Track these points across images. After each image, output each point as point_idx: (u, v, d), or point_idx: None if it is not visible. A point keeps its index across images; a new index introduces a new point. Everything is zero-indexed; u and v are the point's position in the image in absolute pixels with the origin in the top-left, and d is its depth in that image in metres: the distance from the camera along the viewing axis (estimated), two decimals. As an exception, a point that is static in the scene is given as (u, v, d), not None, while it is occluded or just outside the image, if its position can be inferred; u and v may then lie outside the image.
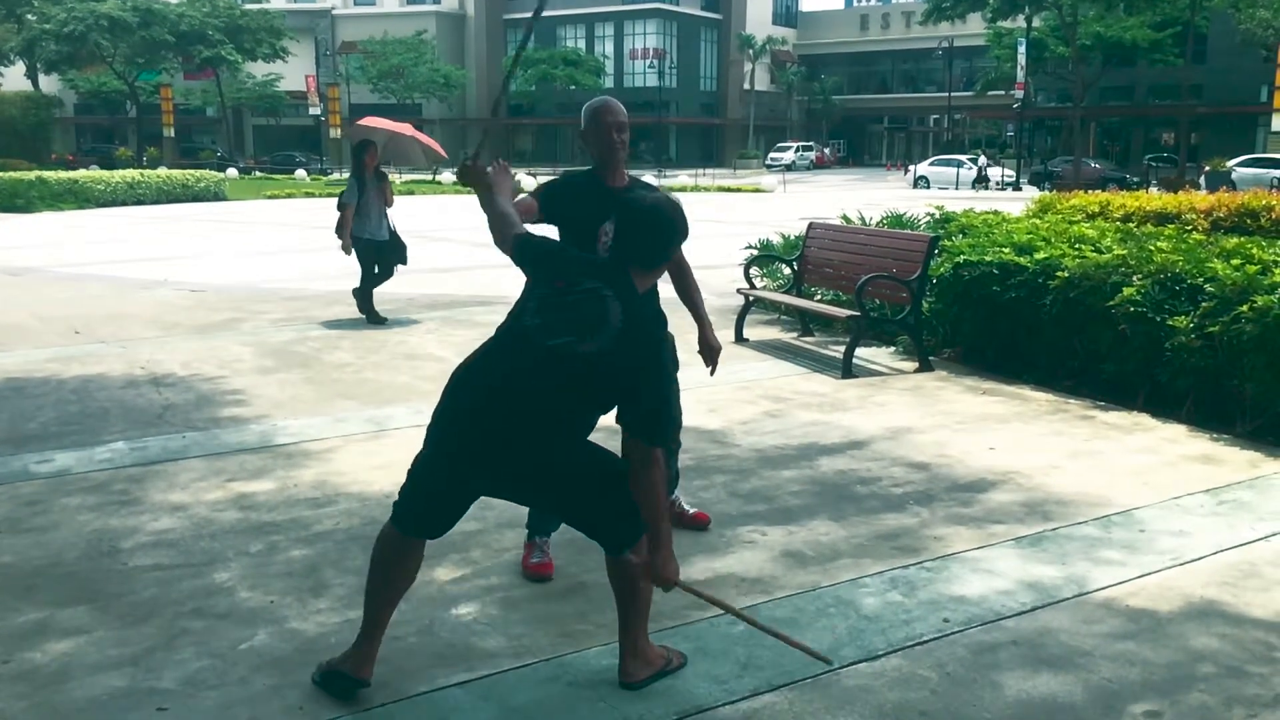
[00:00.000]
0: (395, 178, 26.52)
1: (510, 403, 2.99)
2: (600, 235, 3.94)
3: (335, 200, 10.10)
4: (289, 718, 3.04)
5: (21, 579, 3.98)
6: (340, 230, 9.52)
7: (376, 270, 9.66)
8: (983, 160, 46.23)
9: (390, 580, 3.19)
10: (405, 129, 10.55)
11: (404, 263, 9.87)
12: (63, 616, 3.66)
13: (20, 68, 54.82)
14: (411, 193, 35.33)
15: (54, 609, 3.72)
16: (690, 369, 4.37)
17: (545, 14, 75.67)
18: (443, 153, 11.30)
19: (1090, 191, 14.22)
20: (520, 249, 3.23)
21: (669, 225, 3.11)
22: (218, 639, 3.50)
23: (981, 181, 42.36)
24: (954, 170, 43.83)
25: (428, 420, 3.17)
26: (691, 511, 4.53)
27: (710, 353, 4.34)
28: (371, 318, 9.57)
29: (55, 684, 3.22)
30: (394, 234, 9.75)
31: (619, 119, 3.93)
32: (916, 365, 7.56)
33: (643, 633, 3.24)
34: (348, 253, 9.51)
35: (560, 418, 3.03)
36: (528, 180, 39.11)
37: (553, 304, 3.03)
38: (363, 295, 9.66)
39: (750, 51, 71.32)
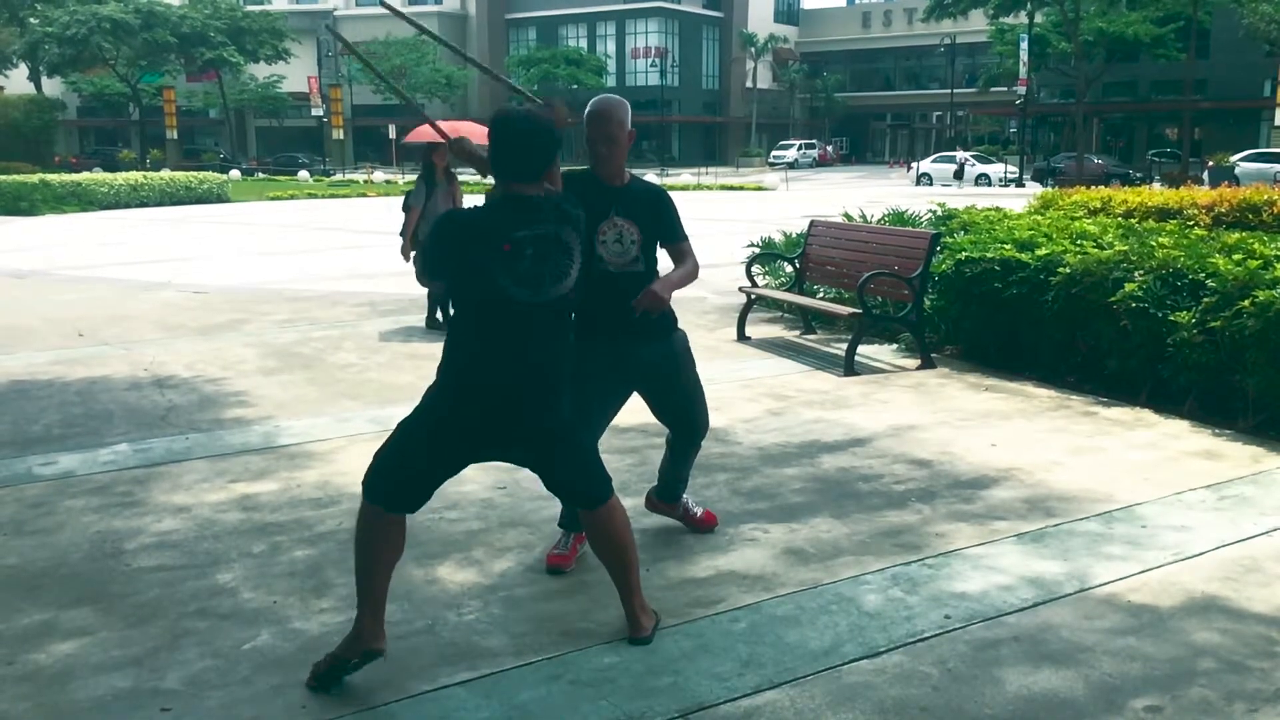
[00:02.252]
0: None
1: (531, 367, 3.19)
2: (599, 233, 3.88)
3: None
4: (292, 717, 3.05)
5: (26, 580, 3.99)
6: (404, 233, 9.14)
7: None
8: (961, 156, 46.54)
9: (384, 557, 3.31)
10: (452, 131, 10.28)
11: None
12: (67, 618, 3.67)
13: (23, 70, 54.92)
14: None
15: (58, 610, 3.73)
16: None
17: (547, 12, 75.21)
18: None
19: (1093, 187, 14.20)
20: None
21: (533, 132, 3.19)
22: (221, 639, 3.51)
23: (959, 178, 42.49)
24: (956, 167, 43.87)
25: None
26: (699, 513, 4.47)
27: (646, 294, 3.77)
28: (431, 323, 9.18)
29: (59, 684, 3.23)
30: None
31: (605, 130, 3.83)
32: (919, 362, 7.56)
33: (639, 587, 3.48)
34: (406, 258, 8.89)
35: (556, 365, 3.26)
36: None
37: (525, 268, 3.12)
38: (433, 303, 9.22)
39: (752, 49, 71.26)
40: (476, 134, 10.25)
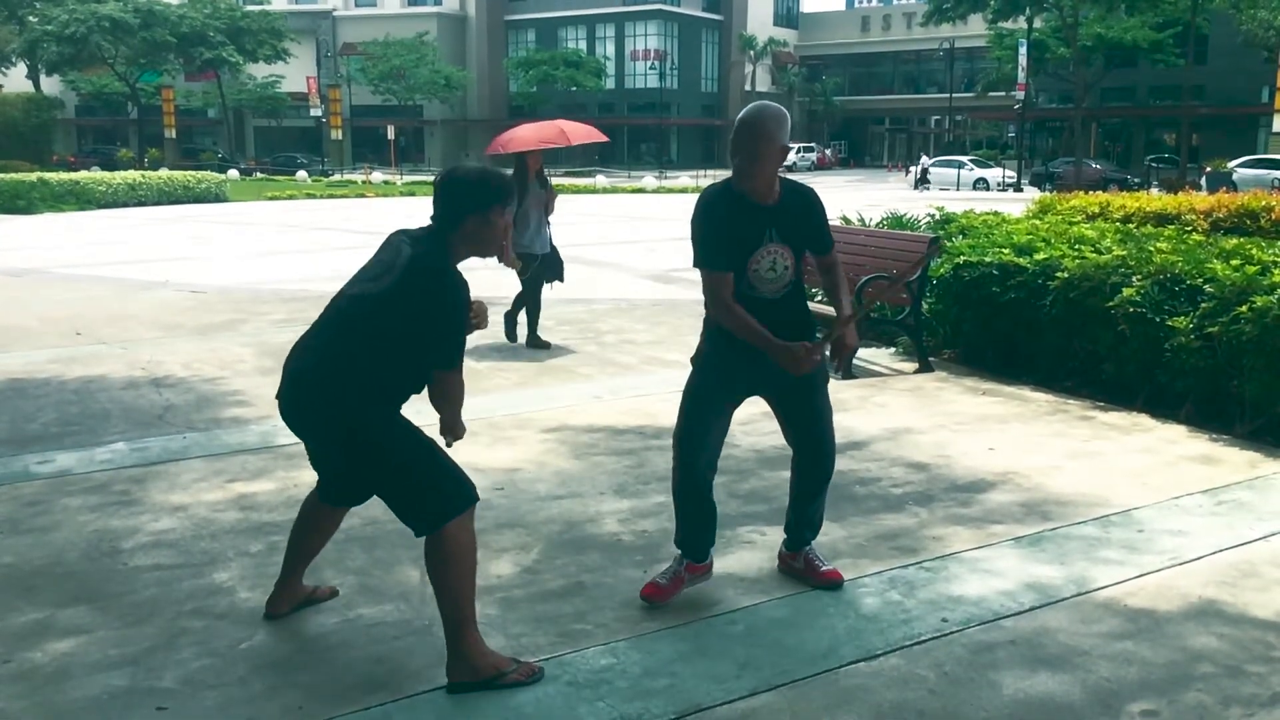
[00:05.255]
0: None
1: (305, 359, 3.24)
2: (751, 263, 3.55)
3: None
4: (288, 717, 3.05)
5: (22, 579, 3.99)
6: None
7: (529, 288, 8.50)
8: (925, 161, 46.92)
9: (302, 534, 3.61)
10: (544, 137, 8.66)
11: (560, 279, 8.68)
12: (63, 616, 3.67)
13: (22, 69, 54.91)
14: (413, 194, 35.35)
15: (54, 609, 3.72)
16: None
17: (546, 14, 75.02)
18: (601, 136, 9.56)
19: (1091, 192, 14.22)
20: None
21: (462, 184, 3.25)
22: (217, 639, 3.51)
23: (924, 183, 42.66)
24: (955, 171, 43.96)
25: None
26: (823, 568, 3.92)
27: (839, 348, 3.77)
28: (520, 338, 8.55)
29: (55, 683, 3.23)
30: (553, 248, 8.59)
31: (745, 143, 3.45)
32: (916, 366, 7.57)
33: (465, 628, 3.20)
34: (515, 267, 8.00)
35: (334, 364, 3.19)
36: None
37: (369, 263, 3.33)
38: (512, 318, 8.59)
39: (751, 53, 71.33)
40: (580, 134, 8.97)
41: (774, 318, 3.59)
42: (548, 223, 8.50)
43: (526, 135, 8.55)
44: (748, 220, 3.52)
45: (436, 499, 3.18)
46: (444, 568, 3.19)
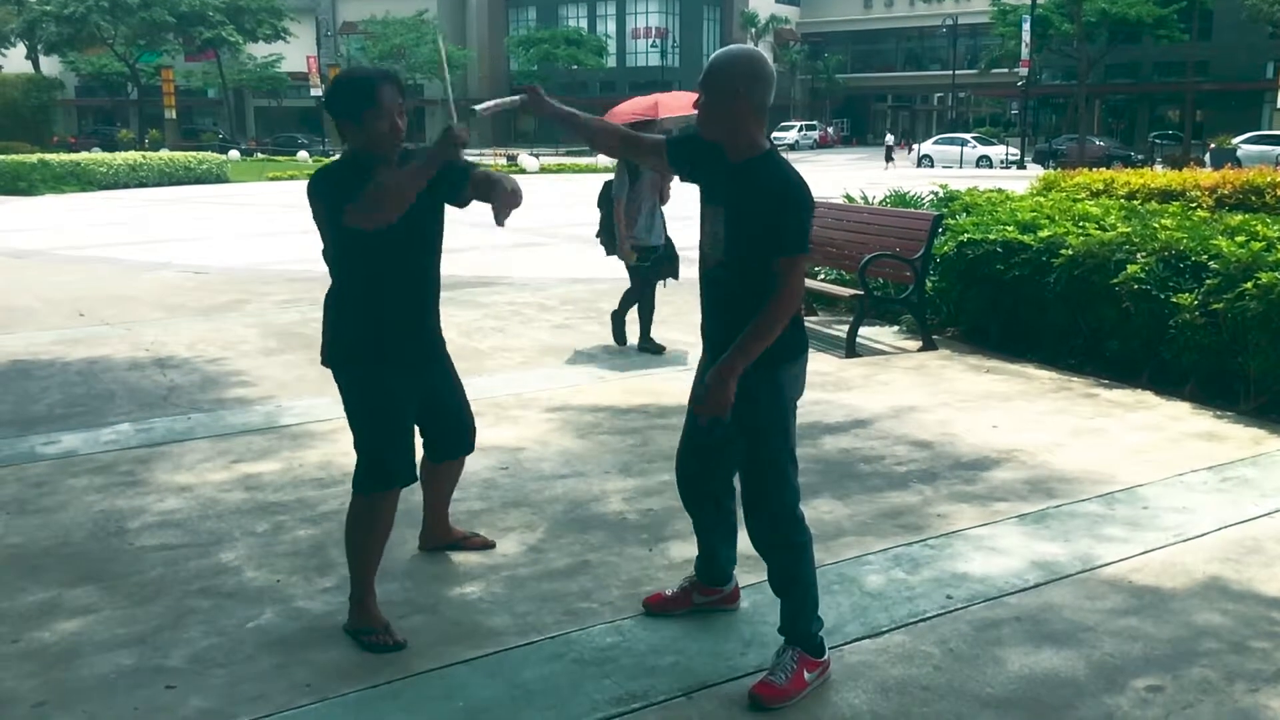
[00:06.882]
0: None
1: None
2: (703, 222, 3.08)
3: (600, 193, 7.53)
4: (296, 695, 3.06)
5: (29, 559, 4.00)
6: (606, 232, 7.48)
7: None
8: (889, 140, 47.20)
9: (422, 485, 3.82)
10: (635, 109, 7.63)
11: (675, 276, 7.48)
12: (71, 596, 3.68)
13: (21, 50, 54.72)
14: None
15: (62, 589, 3.74)
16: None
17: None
18: (690, 108, 8.86)
19: (1094, 169, 14.16)
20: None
21: (328, 94, 3.33)
22: (225, 618, 3.53)
23: (889, 160, 42.79)
24: (958, 149, 43.82)
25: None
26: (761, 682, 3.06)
27: (712, 403, 3.03)
28: (647, 345, 7.50)
29: (64, 663, 3.24)
30: (668, 240, 7.43)
31: (702, 86, 3.00)
32: (920, 344, 7.56)
33: (361, 581, 3.41)
34: (630, 260, 7.30)
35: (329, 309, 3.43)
36: (529, 160, 39.04)
37: None
38: (620, 318, 7.66)
39: (753, 30, 70.93)
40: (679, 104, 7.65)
41: (704, 292, 3.18)
42: (659, 212, 7.36)
43: (629, 107, 7.61)
44: (709, 168, 3.06)
45: (361, 466, 3.38)
46: (349, 528, 3.43)
